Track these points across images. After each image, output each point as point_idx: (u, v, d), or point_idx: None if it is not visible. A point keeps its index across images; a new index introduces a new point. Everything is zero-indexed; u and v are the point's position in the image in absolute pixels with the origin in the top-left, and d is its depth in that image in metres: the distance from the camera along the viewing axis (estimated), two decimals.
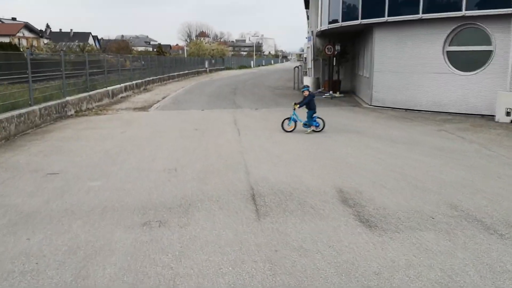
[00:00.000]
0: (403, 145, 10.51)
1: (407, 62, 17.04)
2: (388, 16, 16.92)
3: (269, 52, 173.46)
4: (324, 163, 8.85)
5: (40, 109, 13.79)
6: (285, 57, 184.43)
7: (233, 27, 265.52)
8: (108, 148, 10.44)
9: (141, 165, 8.80)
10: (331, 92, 23.42)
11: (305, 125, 12.36)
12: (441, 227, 5.63)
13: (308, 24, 40.23)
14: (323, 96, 22.99)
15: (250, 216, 6.09)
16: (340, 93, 23.78)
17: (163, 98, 23.63)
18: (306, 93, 12.36)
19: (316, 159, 9.19)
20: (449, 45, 15.88)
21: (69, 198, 6.88)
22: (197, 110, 18.01)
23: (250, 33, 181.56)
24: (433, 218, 5.89)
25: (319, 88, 24.98)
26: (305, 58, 39.43)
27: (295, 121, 12.46)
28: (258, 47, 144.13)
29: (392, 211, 6.20)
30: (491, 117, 14.51)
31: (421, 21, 16.11)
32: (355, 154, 9.57)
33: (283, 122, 12.56)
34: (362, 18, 18.20)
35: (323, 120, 12.39)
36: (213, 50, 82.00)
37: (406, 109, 17.10)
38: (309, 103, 12.25)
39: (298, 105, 12.20)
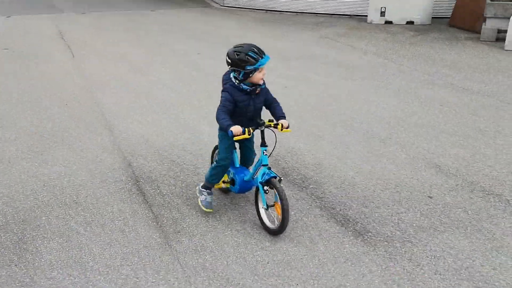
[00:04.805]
0: (302, 63, 8.36)
1: None
2: None
3: None
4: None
5: None
6: None
7: None
8: None
9: None
10: None
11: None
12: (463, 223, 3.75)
13: None
14: None
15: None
16: None
17: None
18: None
19: (209, 95, 6.53)
20: None
21: None
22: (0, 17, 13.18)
23: None
24: (430, 197, 3.97)
25: None
26: None
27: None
28: None
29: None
30: (362, 17, 13.12)
31: None
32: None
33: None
34: None
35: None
36: None
37: (266, 10, 14.83)
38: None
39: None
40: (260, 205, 3.54)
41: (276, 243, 3.34)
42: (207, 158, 4.62)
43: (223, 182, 3.83)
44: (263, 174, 3.39)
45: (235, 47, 3.38)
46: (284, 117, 3.50)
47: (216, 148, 3.91)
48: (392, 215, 3.69)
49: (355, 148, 4.89)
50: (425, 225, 3.53)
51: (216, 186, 3.82)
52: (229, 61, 3.37)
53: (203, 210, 3.67)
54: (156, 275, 3.02)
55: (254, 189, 3.61)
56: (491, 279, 2.94)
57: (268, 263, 3.15)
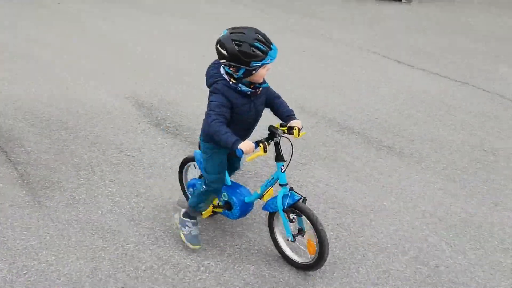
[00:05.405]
0: (191, 20, 8.21)
1: None
2: None
3: None
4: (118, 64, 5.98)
5: None
6: None
7: None
8: None
9: None
10: None
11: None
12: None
13: None
14: None
15: None
16: None
17: None
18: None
19: (78, 48, 6.18)
20: None
21: None
22: None
23: None
24: None
25: None
26: None
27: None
28: None
29: None
30: None
31: None
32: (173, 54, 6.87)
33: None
34: None
35: None
36: None
37: None
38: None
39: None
40: (282, 237, 2.78)
41: (151, 190, 3.41)
42: (77, 113, 4.46)
43: (214, 207, 2.95)
44: (284, 197, 2.55)
45: (231, 33, 2.32)
46: (294, 116, 2.59)
47: (185, 161, 3.08)
48: None
49: None
50: None
51: (204, 215, 2.96)
52: (225, 53, 2.32)
53: (189, 247, 2.83)
54: (25, 232, 2.94)
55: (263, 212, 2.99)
56: (343, 200, 3.36)
57: (144, 208, 3.23)
